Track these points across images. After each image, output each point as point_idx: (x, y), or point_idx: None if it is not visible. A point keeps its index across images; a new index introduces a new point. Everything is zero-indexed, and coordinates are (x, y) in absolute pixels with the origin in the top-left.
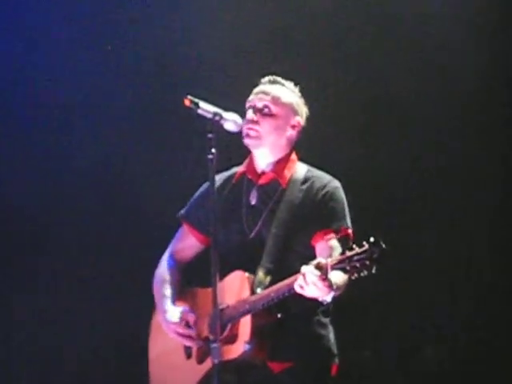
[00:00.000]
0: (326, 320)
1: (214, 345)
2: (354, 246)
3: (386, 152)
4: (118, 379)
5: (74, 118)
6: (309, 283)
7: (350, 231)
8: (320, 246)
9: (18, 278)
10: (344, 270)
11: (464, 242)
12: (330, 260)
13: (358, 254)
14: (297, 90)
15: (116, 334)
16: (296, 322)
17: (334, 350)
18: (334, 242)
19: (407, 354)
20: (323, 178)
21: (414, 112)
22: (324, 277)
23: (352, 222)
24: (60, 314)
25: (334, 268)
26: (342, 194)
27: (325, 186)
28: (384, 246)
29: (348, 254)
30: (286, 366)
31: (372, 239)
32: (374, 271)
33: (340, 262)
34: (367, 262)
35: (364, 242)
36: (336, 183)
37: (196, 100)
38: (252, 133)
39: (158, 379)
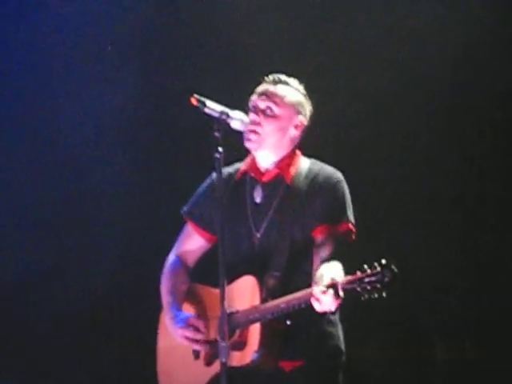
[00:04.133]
0: (335, 317)
1: (223, 344)
2: (366, 266)
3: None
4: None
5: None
6: (322, 302)
7: (351, 226)
8: (318, 242)
9: None
10: (354, 291)
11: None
12: (340, 280)
13: (368, 275)
14: (301, 87)
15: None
16: (305, 321)
17: (343, 347)
18: (333, 238)
19: (415, 350)
20: (326, 171)
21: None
22: (337, 296)
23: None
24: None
25: (344, 289)
26: (343, 187)
27: (327, 180)
28: (395, 270)
29: (359, 274)
30: (297, 365)
31: (384, 261)
32: (384, 295)
33: (350, 282)
34: (378, 286)
35: (376, 264)
36: (338, 176)
37: (202, 99)
38: (253, 137)
39: (165, 376)
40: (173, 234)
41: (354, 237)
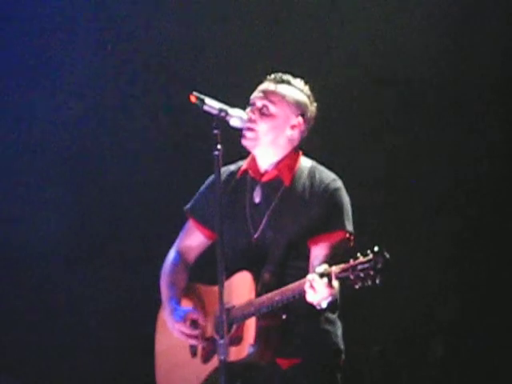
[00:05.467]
0: (334, 316)
1: (221, 341)
2: (359, 254)
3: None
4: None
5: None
6: (316, 290)
7: (347, 234)
8: (314, 251)
9: None
10: (348, 279)
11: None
12: (334, 268)
13: (361, 263)
14: (306, 88)
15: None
16: (303, 319)
17: (341, 345)
18: (328, 247)
19: (414, 349)
20: (326, 177)
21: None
22: (330, 284)
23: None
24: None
25: (338, 277)
26: (342, 195)
27: (326, 187)
28: (388, 256)
29: (352, 262)
30: (294, 362)
31: (376, 248)
32: (378, 282)
33: (344, 270)
34: (371, 272)
35: (368, 251)
36: (337, 184)
37: (202, 96)
38: (249, 134)
39: (163, 375)
40: (177, 230)
41: (352, 244)
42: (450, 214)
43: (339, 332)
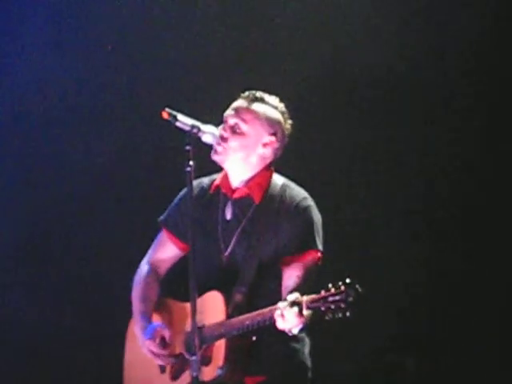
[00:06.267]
0: (302, 334)
1: (193, 358)
2: (330, 285)
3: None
4: None
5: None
6: (286, 319)
7: (319, 254)
8: (286, 271)
9: None
10: (318, 310)
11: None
12: (305, 298)
13: (333, 294)
14: (281, 105)
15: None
16: (271, 337)
17: (309, 363)
18: (301, 267)
19: (387, 366)
20: (296, 195)
21: None
22: (301, 314)
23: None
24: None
25: (308, 307)
26: (313, 213)
27: (296, 205)
28: (360, 289)
29: (323, 294)
30: (259, 380)
31: (348, 280)
32: (348, 315)
33: (315, 301)
34: (342, 305)
35: (340, 283)
36: (308, 202)
37: (174, 112)
38: (219, 149)
39: None
40: (148, 242)
41: (319, 262)
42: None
43: (306, 350)
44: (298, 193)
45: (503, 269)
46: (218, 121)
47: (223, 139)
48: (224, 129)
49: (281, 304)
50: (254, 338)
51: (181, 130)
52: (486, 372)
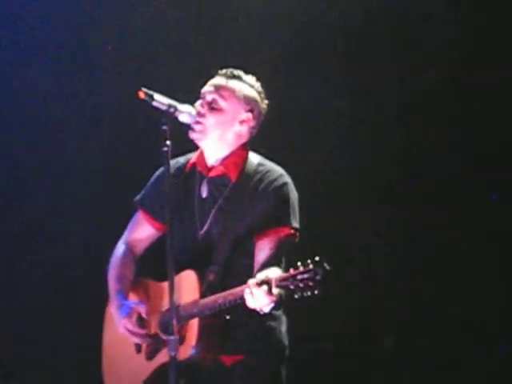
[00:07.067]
0: (278, 312)
1: (171, 338)
2: (299, 263)
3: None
4: None
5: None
6: (255, 297)
7: (292, 230)
8: (258, 246)
9: None
10: (288, 289)
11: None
12: (274, 277)
13: (301, 273)
14: (258, 85)
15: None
16: (246, 316)
17: (286, 341)
18: (273, 242)
19: (365, 343)
20: (273, 172)
21: None
22: (270, 292)
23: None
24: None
25: (278, 285)
26: (289, 190)
27: (272, 182)
28: (328, 267)
29: (292, 272)
30: (237, 359)
31: (317, 258)
32: (316, 293)
33: (284, 279)
34: (310, 283)
35: (308, 261)
36: (284, 179)
37: (150, 92)
38: (197, 127)
39: (109, 368)
40: (125, 223)
41: (296, 240)
42: (395, 208)
43: (283, 328)
44: (275, 170)
45: (487, 247)
46: (193, 100)
47: (201, 115)
48: (201, 105)
49: (250, 282)
50: (228, 317)
51: (157, 109)
52: (464, 351)
